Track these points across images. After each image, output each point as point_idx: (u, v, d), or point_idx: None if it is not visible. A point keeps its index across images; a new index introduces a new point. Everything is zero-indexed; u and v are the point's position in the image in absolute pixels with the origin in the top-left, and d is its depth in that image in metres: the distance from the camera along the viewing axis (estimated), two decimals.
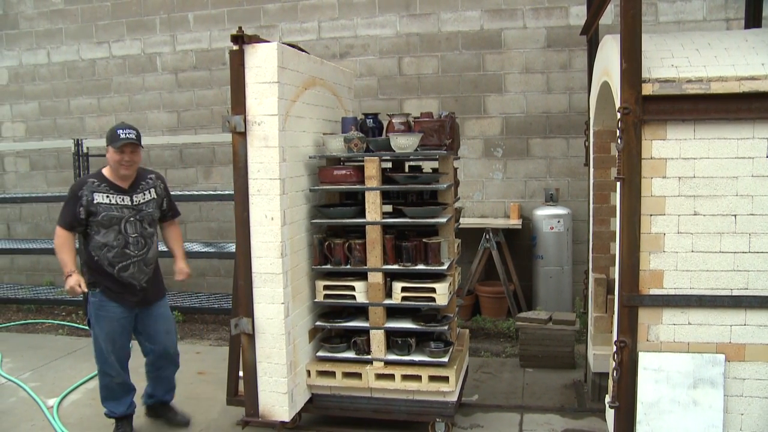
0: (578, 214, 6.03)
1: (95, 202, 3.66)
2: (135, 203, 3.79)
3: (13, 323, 6.66)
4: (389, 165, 4.24)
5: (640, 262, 2.89)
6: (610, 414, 3.13)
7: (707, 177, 2.85)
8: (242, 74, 3.41)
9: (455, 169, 4.05)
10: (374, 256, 3.70)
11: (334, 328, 3.95)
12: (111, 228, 3.69)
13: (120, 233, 3.71)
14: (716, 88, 2.79)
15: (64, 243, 3.70)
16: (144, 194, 3.84)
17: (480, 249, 6.10)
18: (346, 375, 3.80)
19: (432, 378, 3.69)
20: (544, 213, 6.07)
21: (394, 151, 3.70)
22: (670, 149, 2.86)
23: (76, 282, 3.60)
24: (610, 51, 3.36)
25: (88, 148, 6.62)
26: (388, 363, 3.79)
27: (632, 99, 2.80)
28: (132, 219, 3.76)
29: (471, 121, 6.47)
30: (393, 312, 3.87)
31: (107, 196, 3.69)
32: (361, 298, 3.78)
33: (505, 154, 6.44)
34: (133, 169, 3.81)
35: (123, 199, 3.74)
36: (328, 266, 3.82)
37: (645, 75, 2.83)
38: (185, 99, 7.29)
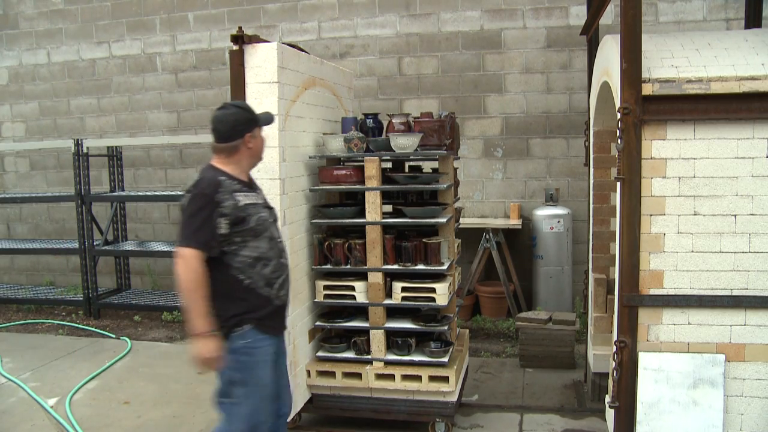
0: (578, 214, 6.03)
1: (242, 204, 2.70)
2: (266, 199, 2.96)
3: (13, 323, 6.66)
4: (389, 165, 4.24)
5: (640, 262, 2.89)
6: (610, 414, 3.13)
7: (707, 177, 2.85)
8: (242, 74, 3.41)
9: (455, 169, 4.04)
10: (374, 256, 3.70)
11: (334, 328, 3.95)
12: (263, 235, 2.78)
13: (272, 239, 2.83)
14: (716, 88, 2.79)
15: (200, 277, 2.60)
16: (260, 189, 3.01)
17: (480, 249, 6.10)
18: (346, 375, 3.80)
19: (432, 378, 3.68)
20: (544, 213, 6.07)
21: (394, 151, 3.70)
22: (670, 149, 2.85)
23: (217, 349, 2.65)
24: (610, 51, 3.36)
25: (88, 148, 6.63)
26: (388, 363, 3.79)
27: (632, 99, 2.80)
28: (272, 220, 2.90)
29: (471, 121, 6.47)
30: (393, 312, 3.87)
31: (246, 195, 2.76)
32: (361, 298, 3.78)
33: (505, 154, 6.45)
34: None
35: (257, 197, 2.86)
36: (328, 266, 3.82)
37: (645, 75, 2.83)
38: (185, 99, 7.29)
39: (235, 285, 2.70)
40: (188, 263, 2.59)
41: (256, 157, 2.90)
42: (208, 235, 2.61)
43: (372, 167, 3.67)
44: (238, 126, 2.75)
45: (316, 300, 3.88)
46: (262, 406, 2.76)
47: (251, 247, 2.72)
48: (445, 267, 3.70)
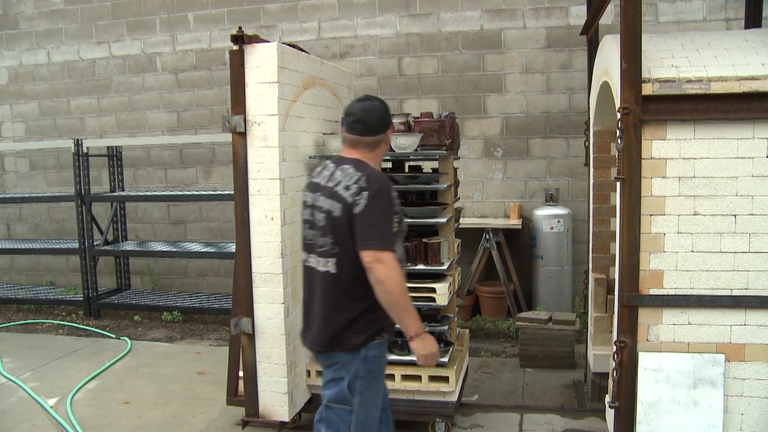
0: (578, 214, 6.03)
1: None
2: None
3: (13, 323, 6.66)
4: (389, 165, 4.24)
5: (640, 262, 2.89)
6: (610, 414, 3.13)
7: (707, 177, 2.85)
8: (242, 74, 3.41)
9: (455, 169, 4.04)
10: None
11: None
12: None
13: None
14: (716, 88, 2.79)
15: (403, 279, 2.42)
16: None
17: (480, 249, 6.10)
18: None
19: (432, 378, 3.69)
20: (544, 213, 6.07)
21: (394, 151, 3.70)
22: (670, 149, 2.85)
23: (435, 344, 2.54)
24: (610, 51, 3.36)
25: (88, 148, 6.63)
26: (388, 363, 3.78)
27: (632, 99, 2.80)
28: None
29: (471, 121, 6.47)
30: None
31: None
32: None
33: (505, 154, 6.44)
34: None
35: None
36: None
37: (645, 75, 2.83)
38: (185, 99, 7.29)
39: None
40: (393, 266, 2.37)
41: (383, 154, 2.75)
42: (395, 235, 2.45)
43: None
44: (384, 119, 2.62)
45: None
46: (375, 417, 2.64)
47: (397, 250, 2.50)
48: (445, 267, 3.70)
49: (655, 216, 2.88)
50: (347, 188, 2.45)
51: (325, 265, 2.52)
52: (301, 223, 2.68)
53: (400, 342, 3.78)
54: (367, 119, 2.57)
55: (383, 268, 2.35)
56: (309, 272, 2.64)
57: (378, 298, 2.41)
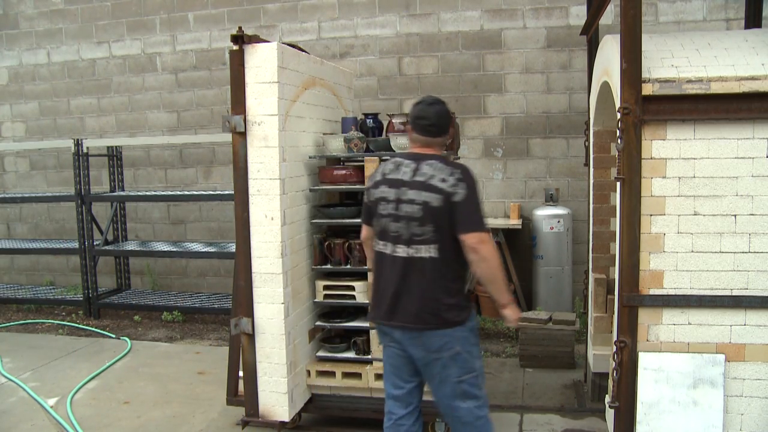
0: (578, 214, 6.03)
1: None
2: None
3: (13, 323, 6.66)
4: None
5: (640, 262, 2.89)
6: (610, 414, 3.13)
7: (707, 177, 2.85)
8: (242, 74, 3.41)
9: None
10: None
11: (334, 328, 3.95)
12: None
13: None
14: (716, 88, 2.79)
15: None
16: None
17: None
18: (346, 375, 3.80)
19: None
20: (544, 213, 6.07)
21: (394, 151, 3.70)
22: (670, 149, 2.85)
23: (519, 312, 3.01)
24: (610, 51, 3.36)
25: (88, 148, 6.63)
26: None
27: (632, 99, 2.80)
28: None
29: (471, 121, 6.47)
30: None
31: None
32: (361, 298, 3.78)
33: (505, 154, 6.44)
34: None
35: None
36: (328, 266, 3.82)
37: (645, 75, 2.83)
38: (185, 99, 7.29)
39: (467, 269, 2.81)
40: (493, 245, 2.75)
41: None
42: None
43: (372, 167, 3.67)
44: (449, 120, 2.93)
45: (316, 300, 3.89)
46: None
47: None
48: None
49: (655, 216, 2.88)
50: (444, 180, 2.69)
51: (427, 252, 2.72)
52: (378, 218, 2.85)
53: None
54: (441, 123, 2.85)
55: (487, 248, 2.68)
56: (394, 261, 2.79)
57: (479, 274, 2.74)
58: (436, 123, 2.83)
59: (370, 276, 3.70)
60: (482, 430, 2.85)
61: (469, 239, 2.66)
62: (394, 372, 2.91)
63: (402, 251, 2.76)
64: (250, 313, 3.55)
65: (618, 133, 2.85)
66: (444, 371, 2.78)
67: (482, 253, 2.67)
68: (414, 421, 2.93)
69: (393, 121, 3.89)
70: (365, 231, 3.02)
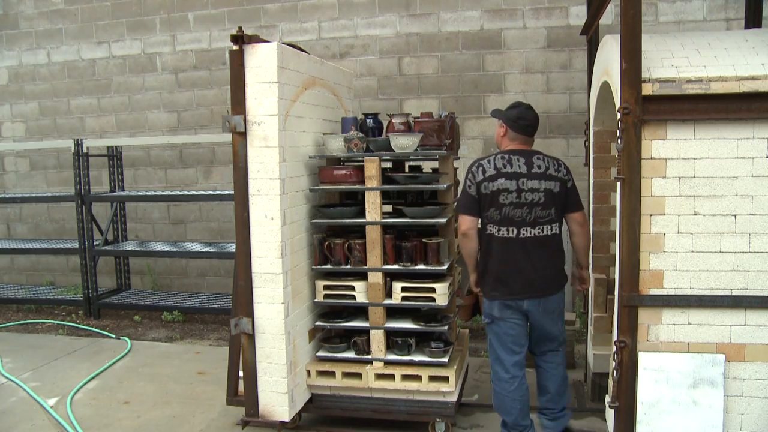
0: None
1: None
2: None
3: (13, 323, 6.66)
4: (389, 165, 4.24)
5: (640, 262, 2.89)
6: (610, 414, 3.13)
7: (707, 177, 2.85)
8: (242, 74, 3.41)
9: (455, 169, 4.05)
10: (374, 256, 3.70)
11: (334, 328, 3.95)
12: None
13: None
14: (716, 88, 2.79)
15: None
16: None
17: None
18: (346, 375, 3.80)
19: (432, 378, 3.69)
20: None
21: (394, 151, 3.70)
22: (670, 149, 2.85)
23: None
24: (610, 51, 3.36)
25: (88, 148, 6.63)
26: (388, 363, 3.79)
27: (632, 99, 2.80)
28: None
29: (471, 121, 6.47)
30: (393, 312, 3.87)
31: None
32: (361, 298, 3.78)
33: None
34: None
35: None
36: (328, 266, 3.82)
37: (645, 75, 2.83)
38: (185, 99, 7.29)
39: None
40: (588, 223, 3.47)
41: None
42: None
43: (372, 167, 3.67)
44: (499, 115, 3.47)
45: (316, 300, 3.88)
46: None
47: None
48: (445, 267, 3.70)
49: (655, 216, 2.88)
50: (557, 170, 3.31)
51: (551, 230, 3.31)
52: (499, 207, 3.26)
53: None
54: (536, 123, 3.42)
55: (586, 222, 3.45)
56: (521, 242, 3.27)
57: (579, 243, 3.45)
58: (533, 124, 3.38)
59: (370, 276, 3.73)
60: (564, 347, 3.58)
61: (579, 216, 3.37)
62: (514, 341, 3.37)
63: (527, 232, 3.25)
64: (250, 313, 3.55)
65: (618, 133, 2.85)
66: (554, 326, 3.44)
67: (586, 227, 3.43)
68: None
69: (393, 121, 3.89)
70: (471, 222, 3.35)
